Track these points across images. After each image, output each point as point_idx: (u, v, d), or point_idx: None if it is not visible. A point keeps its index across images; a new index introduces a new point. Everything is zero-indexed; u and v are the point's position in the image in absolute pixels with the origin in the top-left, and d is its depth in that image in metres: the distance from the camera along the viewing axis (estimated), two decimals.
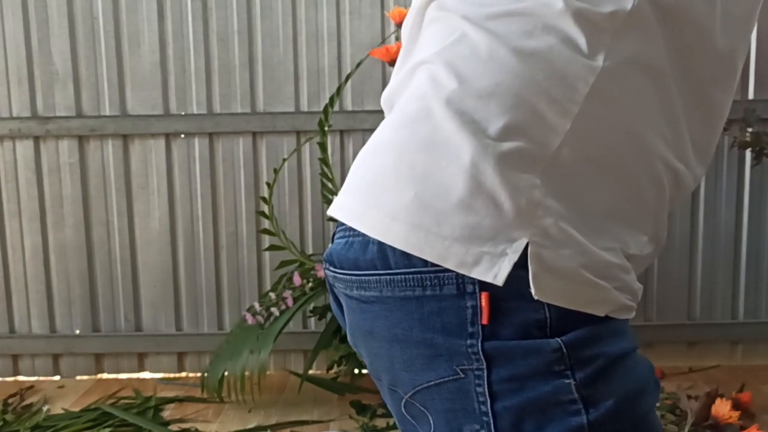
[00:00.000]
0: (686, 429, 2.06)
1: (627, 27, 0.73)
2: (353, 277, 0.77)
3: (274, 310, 2.41)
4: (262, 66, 2.67)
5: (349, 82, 2.55)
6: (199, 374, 2.75)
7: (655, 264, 2.73)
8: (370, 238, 0.74)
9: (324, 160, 2.43)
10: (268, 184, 2.50)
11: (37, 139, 2.71)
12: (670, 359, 2.75)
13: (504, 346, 0.70)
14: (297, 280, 2.44)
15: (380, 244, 0.73)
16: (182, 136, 2.70)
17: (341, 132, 2.68)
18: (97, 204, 2.73)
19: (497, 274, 0.69)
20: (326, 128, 2.41)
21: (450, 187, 0.70)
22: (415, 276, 0.72)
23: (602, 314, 0.72)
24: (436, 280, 0.71)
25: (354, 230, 0.76)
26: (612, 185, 0.74)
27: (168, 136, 2.70)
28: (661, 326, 2.76)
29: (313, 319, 2.69)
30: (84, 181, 2.73)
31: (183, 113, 2.69)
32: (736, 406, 2.13)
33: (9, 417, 2.40)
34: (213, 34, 2.66)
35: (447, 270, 0.70)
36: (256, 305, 2.47)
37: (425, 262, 0.71)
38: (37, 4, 2.65)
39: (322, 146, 2.43)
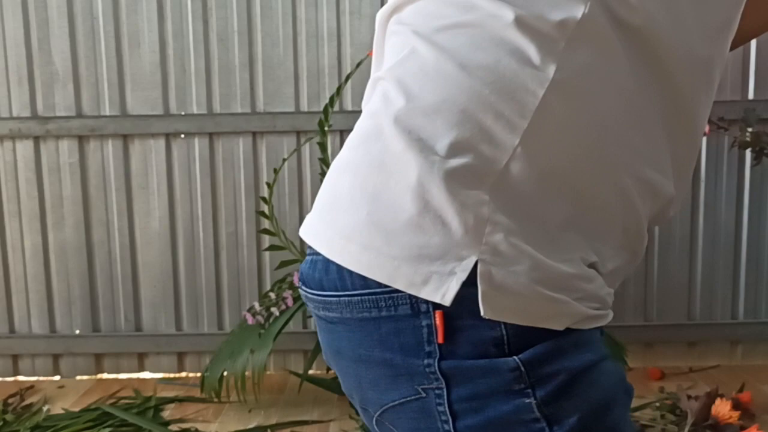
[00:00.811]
0: (686, 429, 2.06)
1: (580, 36, 0.71)
2: (318, 298, 0.77)
3: (274, 310, 2.41)
4: (262, 66, 2.67)
5: (349, 82, 2.55)
6: (199, 374, 2.75)
7: (655, 264, 2.73)
8: (330, 258, 0.74)
9: (324, 160, 2.43)
10: (268, 184, 2.50)
11: (37, 139, 2.71)
12: (670, 359, 2.76)
13: (461, 366, 0.70)
14: (297, 280, 2.44)
15: (338, 264, 0.74)
16: (182, 136, 2.70)
17: (341, 132, 2.68)
18: (97, 204, 2.74)
19: (445, 294, 0.68)
20: (326, 128, 2.41)
21: (399, 207, 0.70)
22: (370, 297, 0.72)
23: (561, 328, 0.70)
24: (390, 301, 0.71)
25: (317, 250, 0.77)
26: (568, 198, 0.73)
27: (168, 136, 2.70)
28: (661, 326, 2.76)
29: (313, 319, 2.69)
30: (84, 181, 2.73)
31: (183, 113, 2.69)
32: (736, 406, 2.13)
33: (9, 417, 2.40)
34: (213, 34, 2.66)
35: (400, 290, 0.70)
36: (256, 305, 2.47)
37: (379, 283, 0.71)
38: (37, 4, 2.65)
39: (322, 146, 2.43)
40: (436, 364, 0.70)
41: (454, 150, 0.70)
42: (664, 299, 2.75)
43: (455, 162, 0.69)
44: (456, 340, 0.70)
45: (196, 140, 2.70)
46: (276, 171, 2.51)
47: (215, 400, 2.45)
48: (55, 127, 2.68)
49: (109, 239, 2.75)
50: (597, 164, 0.73)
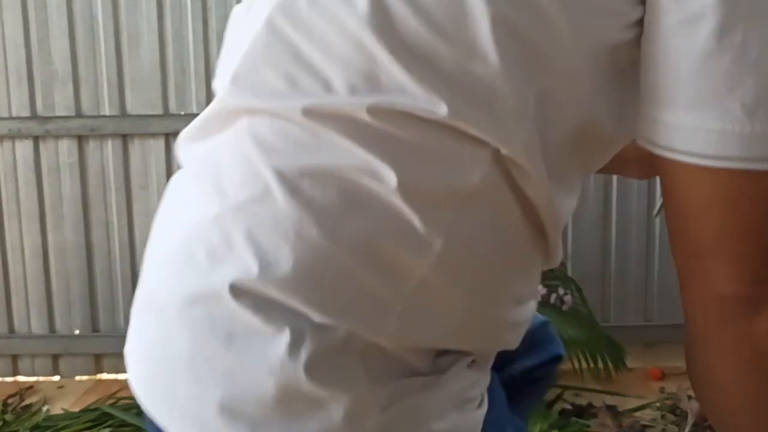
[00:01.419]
0: (687, 429, 2.06)
1: (473, 199, 0.61)
2: None
3: None
4: None
5: None
6: None
7: (655, 264, 2.73)
8: None
9: None
10: None
11: (36, 139, 2.71)
12: (670, 359, 2.75)
13: None
14: None
15: None
16: None
17: None
18: (97, 204, 2.73)
19: None
20: None
21: (262, 392, 0.60)
22: None
23: None
24: None
25: None
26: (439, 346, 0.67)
27: (168, 136, 2.70)
28: (661, 326, 2.76)
29: None
30: (84, 181, 2.72)
31: (183, 113, 2.69)
32: None
33: (9, 417, 2.40)
34: (213, 34, 2.66)
35: None
36: None
37: None
38: (37, 4, 2.65)
39: None
40: None
41: (317, 331, 0.60)
42: (664, 299, 2.75)
43: (320, 343, 0.60)
44: None
45: None
46: None
47: None
48: (54, 127, 2.68)
49: (109, 239, 2.74)
50: (475, 323, 0.67)
